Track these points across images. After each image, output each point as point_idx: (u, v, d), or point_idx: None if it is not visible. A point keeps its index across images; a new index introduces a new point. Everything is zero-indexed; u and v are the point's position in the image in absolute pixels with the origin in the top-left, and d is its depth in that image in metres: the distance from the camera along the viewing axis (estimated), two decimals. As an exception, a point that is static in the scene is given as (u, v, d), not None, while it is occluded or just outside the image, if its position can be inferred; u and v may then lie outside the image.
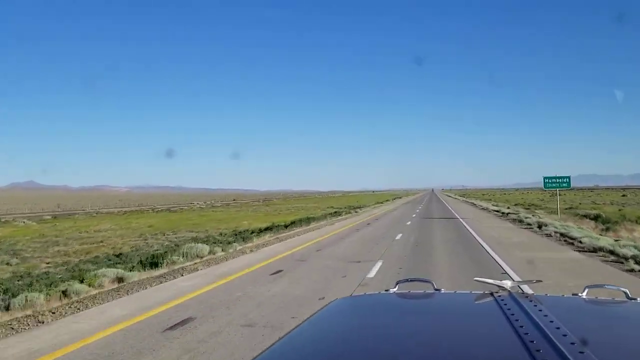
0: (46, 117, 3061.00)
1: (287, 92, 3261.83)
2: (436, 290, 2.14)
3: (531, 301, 1.72)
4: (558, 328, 1.38)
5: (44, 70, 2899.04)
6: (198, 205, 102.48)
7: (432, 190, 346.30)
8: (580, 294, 1.99)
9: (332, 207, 79.04)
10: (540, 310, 1.58)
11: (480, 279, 2.14)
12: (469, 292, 2.04)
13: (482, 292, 1.95)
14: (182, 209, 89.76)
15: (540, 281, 2.71)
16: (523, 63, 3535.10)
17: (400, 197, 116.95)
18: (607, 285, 2.16)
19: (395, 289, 2.18)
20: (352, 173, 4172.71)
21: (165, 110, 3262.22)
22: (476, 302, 1.87)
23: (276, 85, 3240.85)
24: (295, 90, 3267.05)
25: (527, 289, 3.47)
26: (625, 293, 1.96)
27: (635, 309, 1.84)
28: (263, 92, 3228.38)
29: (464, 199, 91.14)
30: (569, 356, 1.19)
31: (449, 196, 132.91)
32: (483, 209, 47.47)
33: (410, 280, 2.31)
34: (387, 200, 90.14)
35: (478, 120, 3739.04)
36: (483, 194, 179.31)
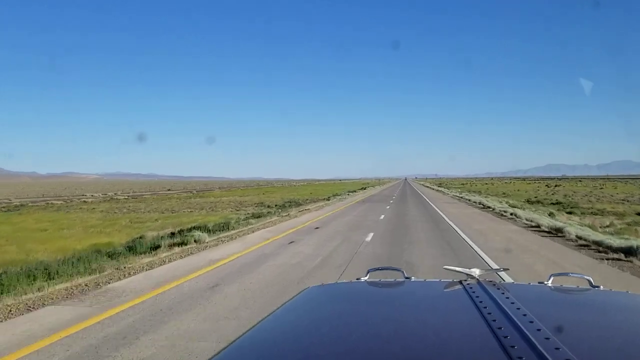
0: (14, 103, 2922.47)
1: (265, 81, 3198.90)
2: (406, 278, 2.15)
3: (499, 289, 1.74)
4: (525, 315, 1.41)
5: (11, 55, 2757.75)
6: (84, 199, 73.91)
7: (405, 179, 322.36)
8: (545, 282, 2.03)
9: (261, 203, 54.69)
10: (508, 298, 1.60)
11: (450, 267, 2.13)
12: (438, 280, 2.04)
13: (451, 280, 1.96)
14: (48, 203, 61.94)
15: (508, 269, 3.10)
16: (498, 52, 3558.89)
17: (364, 188, 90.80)
18: (571, 273, 2.25)
19: (366, 277, 2.19)
20: (328, 161, 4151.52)
21: (138, 98, 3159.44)
22: (445, 291, 1.88)
23: (252, 74, 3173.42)
24: (272, 79, 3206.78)
25: (495, 276, 2.41)
26: (589, 281, 2.03)
27: (597, 296, 1.91)
28: (239, 81, 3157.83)
29: (452, 193, 64.45)
30: (536, 343, 1.20)
31: (427, 187, 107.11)
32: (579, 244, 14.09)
33: (381, 269, 2.40)
34: (347, 192, 64.15)
35: (450, 110, 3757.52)
36: (463, 184, 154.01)
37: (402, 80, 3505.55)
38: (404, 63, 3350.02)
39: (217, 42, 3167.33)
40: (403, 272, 2.24)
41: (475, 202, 36.33)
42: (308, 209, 30.35)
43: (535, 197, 62.32)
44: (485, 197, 54.31)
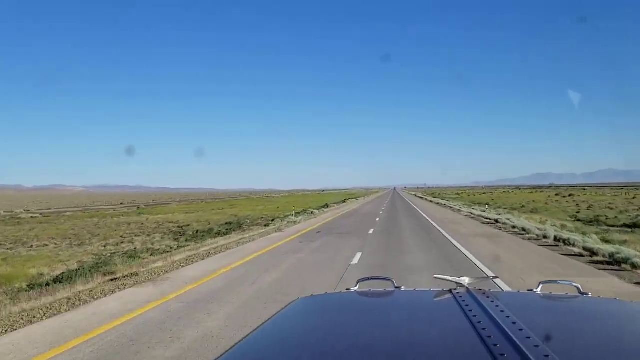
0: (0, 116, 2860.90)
1: (254, 92, 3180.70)
2: (397, 288, 2.13)
3: (488, 297, 1.74)
4: (514, 323, 1.40)
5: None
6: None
7: (394, 189, 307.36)
8: (534, 290, 2.03)
9: (186, 226, 40.15)
10: (497, 306, 1.59)
11: (440, 276, 2.13)
12: (428, 289, 2.03)
13: (441, 289, 1.95)
14: None
15: (497, 277, 3.03)
16: (484, 63, 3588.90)
17: (344, 201, 73.00)
18: (560, 280, 2.22)
19: (356, 288, 2.18)
20: (318, 172, 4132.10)
21: (126, 109, 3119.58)
22: (435, 300, 1.88)
23: (243, 85, 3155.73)
24: (261, 90, 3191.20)
25: (485, 285, 2.30)
26: (578, 288, 2.02)
27: (586, 303, 1.90)
28: (229, 91, 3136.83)
29: (463, 208, 46.30)
30: (525, 350, 1.20)
31: (420, 198, 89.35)
32: None
33: (371, 279, 2.36)
34: (314, 209, 46.72)
35: (438, 120, 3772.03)
36: (458, 194, 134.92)
37: (390, 91, 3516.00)
38: (392, 75, 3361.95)
39: (206, 55, 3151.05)
40: (393, 281, 2.22)
41: (535, 234, 18.00)
42: (263, 229, 11.70)
43: (578, 213, 44.82)
44: (509, 212, 36.55)
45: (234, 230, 29.92)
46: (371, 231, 20.92)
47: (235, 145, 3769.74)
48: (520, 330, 1.34)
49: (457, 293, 1.84)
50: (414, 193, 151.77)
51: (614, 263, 11.28)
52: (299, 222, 28.83)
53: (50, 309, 8.12)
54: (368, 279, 2.32)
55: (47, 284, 12.34)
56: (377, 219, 29.12)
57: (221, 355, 1.40)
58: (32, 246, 29.50)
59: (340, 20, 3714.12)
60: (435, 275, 2.32)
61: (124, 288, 9.76)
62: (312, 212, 39.82)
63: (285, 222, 28.42)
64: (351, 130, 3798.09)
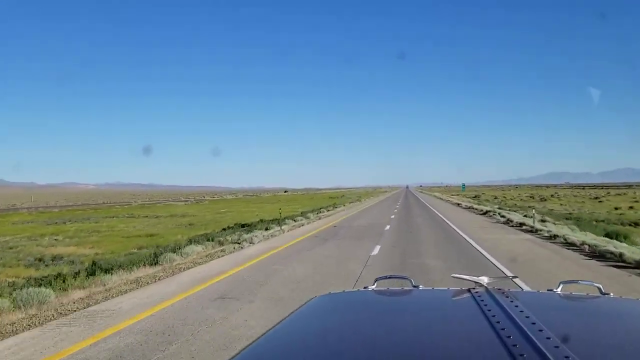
0: (15, 114, 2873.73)
1: (265, 91, 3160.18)
2: (414, 287, 2.13)
3: (507, 297, 1.73)
4: (534, 323, 1.39)
5: (13, 67, 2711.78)
6: None
7: (407, 188, 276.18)
8: (555, 290, 2.00)
9: None
10: (517, 306, 1.58)
11: (458, 275, 2.08)
12: (446, 288, 2.03)
13: (459, 288, 1.94)
14: None
15: (517, 277, 2.82)
16: (499, 61, 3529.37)
17: (301, 218, 41.89)
18: (581, 281, 2.16)
19: (374, 286, 2.17)
20: (331, 170, 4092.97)
21: (138, 109, 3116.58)
22: (454, 299, 1.87)
23: (255, 84, 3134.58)
24: (273, 89, 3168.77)
25: (504, 284, 2.34)
26: (599, 288, 2.00)
27: (608, 304, 1.87)
28: (242, 90, 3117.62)
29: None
30: (545, 351, 1.19)
31: (461, 206, 56.69)
32: None
33: (389, 277, 2.36)
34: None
35: (454, 118, 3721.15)
36: (532, 196, 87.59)
37: (405, 89, 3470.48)
38: (407, 72, 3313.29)
39: (222, 54, 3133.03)
40: (411, 280, 2.20)
41: None
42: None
43: None
44: None
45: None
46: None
47: (247, 144, 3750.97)
48: (540, 330, 1.31)
49: (476, 292, 1.80)
50: (442, 196, 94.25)
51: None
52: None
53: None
54: (386, 277, 2.33)
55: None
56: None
57: (238, 353, 1.38)
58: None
59: (354, 17, 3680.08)
60: (453, 275, 2.21)
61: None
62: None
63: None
64: (365, 129, 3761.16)
